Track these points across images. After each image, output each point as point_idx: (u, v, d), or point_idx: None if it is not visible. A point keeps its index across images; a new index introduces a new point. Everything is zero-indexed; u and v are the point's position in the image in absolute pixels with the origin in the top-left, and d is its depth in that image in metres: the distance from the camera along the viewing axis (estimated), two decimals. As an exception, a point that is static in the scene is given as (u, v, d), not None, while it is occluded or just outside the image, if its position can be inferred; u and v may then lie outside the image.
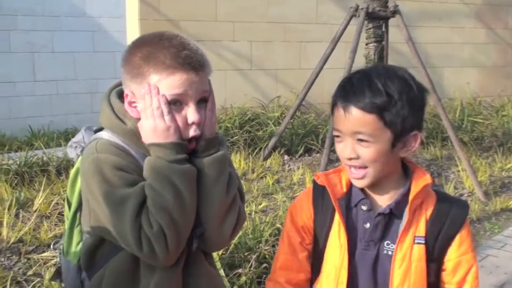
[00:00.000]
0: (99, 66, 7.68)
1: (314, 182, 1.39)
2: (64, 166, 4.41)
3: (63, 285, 1.48)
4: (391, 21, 4.71)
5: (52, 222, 3.47)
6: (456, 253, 1.31)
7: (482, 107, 7.29)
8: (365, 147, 1.25)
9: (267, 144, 5.17)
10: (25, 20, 7.21)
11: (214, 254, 2.13)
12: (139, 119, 1.29)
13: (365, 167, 1.27)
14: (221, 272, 2.58)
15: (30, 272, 2.85)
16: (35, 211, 3.61)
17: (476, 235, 3.77)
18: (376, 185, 1.31)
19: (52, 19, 7.40)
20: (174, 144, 1.24)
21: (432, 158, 5.42)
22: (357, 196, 1.34)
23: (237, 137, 5.23)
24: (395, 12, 4.57)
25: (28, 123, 6.94)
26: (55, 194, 3.85)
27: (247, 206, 3.67)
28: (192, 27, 5.57)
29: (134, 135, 1.30)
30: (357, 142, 1.25)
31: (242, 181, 3.90)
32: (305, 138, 5.46)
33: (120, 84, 1.36)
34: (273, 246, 2.94)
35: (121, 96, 1.34)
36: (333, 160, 4.69)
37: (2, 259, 3.01)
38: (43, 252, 3.07)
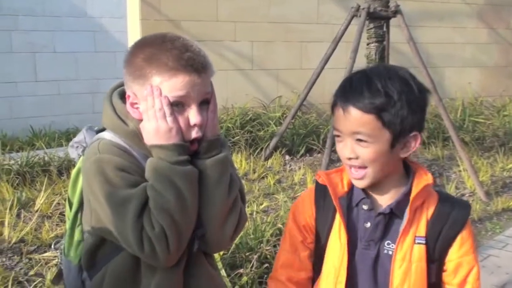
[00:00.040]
0: (100, 66, 7.68)
1: (317, 182, 1.40)
2: (66, 166, 4.41)
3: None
4: (392, 21, 4.70)
5: (54, 222, 3.47)
6: (457, 254, 1.31)
7: (483, 107, 7.29)
8: (364, 147, 1.25)
9: (268, 144, 5.17)
10: (26, 20, 7.22)
11: (216, 254, 2.13)
12: (141, 120, 1.29)
13: (365, 167, 1.27)
14: (223, 272, 2.58)
15: (31, 272, 2.85)
16: (37, 211, 3.62)
17: (477, 235, 3.76)
18: (377, 185, 1.32)
19: (53, 19, 7.40)
20: (176, 146, 1.24)
21: (433, 158, 5.41)
22: (358, 195, 1.34)
23: (238, 137, 5.23)
24: (396, 12, 4.57)
25: (29, 123, 6.94)
26: (56, 194, 3.86)
27: (248, 206, 3.67)
28: (193, 27, 5.58)
29: (136, 136, 1.30)
30: (356, 142, 1.26)
31: (243, 181, 3.91)
32: (306, 138, 5.46)
33: (122, 84, 1.36)
34: (275, 246, 2.94)
35: (123, 96, 1.34)
36: (334, 160, 4.69)
37: (4, 259, 3.01)
38: (45, 252, 3.07)
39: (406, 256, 1.28)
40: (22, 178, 4.15)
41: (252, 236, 3.00)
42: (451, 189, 4.43)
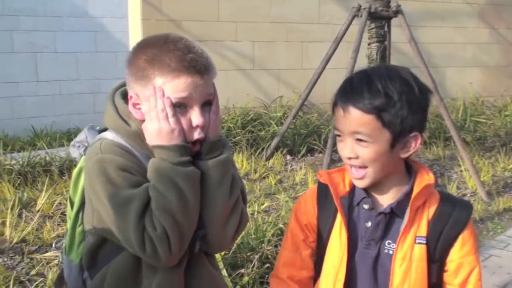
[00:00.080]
0: (101, 66, 7.69)
1: (319, 181, 1.40)
2: (67, 166, 4.42)
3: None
4: (394, 21, 4.70)
5: (55, 222, 3.48)
6: (458, 254, 1.31)
7: (484, 107, 7.28)
8: (364, 147, 1.26)
9: (270, 144, 5.16)
10: (27, 20, 7.22)
11: (217, 255, 2.13)
12: (143, 120, 1.29)
13: (365, 167, 1.28)
14: (224, 272, 2.59)
15: (33, 272, 2.86)
16: (38, 211, 3.62)
17: (479, 235, 3.76)
18: (378, 184, 1.32)
19: (54, 19, 7.41)
20: (178, 147, 1.25)
21: (434, 158, 5.41)
22: (359, 195, 1.34)
23: (239, 137, 5.23)
24: (398, 12, 4.57)
25: (30, 123, 6.95)
26: (58, 194, 3.86)
27: (249, 206, 3.67)
28: (195, 27, 5.58)
29: (138, 136, 1.30)
30: (356, 142, 1.26)
31: (245, 181, 3.91)
32: (308, 138, 5.46)
33: (124, 85, 1.36)
34: (276, 246, 2.94)
35: (125, 96, 1.34)
36: (335, 160, 4.69)
37: (5, 259, 3.01)
38: (46, 252, 3.08)
39: (407, 256, 1.28)
40: (23, 178, 4.15)
41: (253, 236, 3.00)
42: (452, 189, 4.43)
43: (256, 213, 3.61)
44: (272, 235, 3.03)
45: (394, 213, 1.31)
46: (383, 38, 4.62)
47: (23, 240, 3.21)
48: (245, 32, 5.94)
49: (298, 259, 1.42)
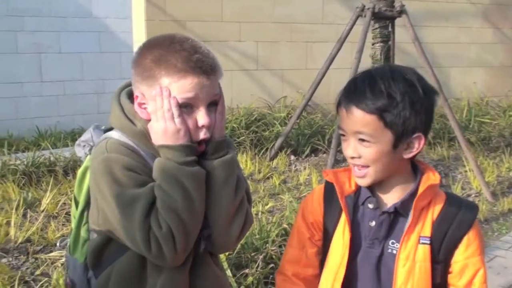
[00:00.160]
0: (105, 66, 7.71)
1: (327, 180, 1.41)
2: (71, 166, 4.43)
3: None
4: (398, 21, 4.70)
5: (60, 222, 3.49)
6: (462, 255, 1.30)
7: (489, 107, 7.26)
8: (366, 147, 1.27)
9: (274, 145, 5.17)
10: (32, 21, 7.25)
11: (221, 255, 2.13)
12: (148, 120, 1.29)
13: (367, 166, 1.29)
14: (228, 272, 2.59)
15: (37, 272, 2.87)
16: (43, 211, 3.63)
17: (483, 235, 3.75)
18: (382, 184, 1.33)
19: (59, 19, 7.43)
20: (184, 147, 1.25)
21: (439, 158, 5.40)
22: (364, 194, 1.35)
23: (243, 137, 5.23)
24: (402, 12, 4.56)
25: (35, 123, 6.98)
26: (62, 194, 3.87)
27: (253, 207, 3.67)
28: (198, 27, 5.58)
29: (144, 136, 1.30)
30: (359, 142, 1.27)
31: (249, 182, 3.91)
32: (312, 138, 5.46)
33: (129, 85, 1.36)
34: (280, 246, 2.94)
35: (131, 96, 1.35)
36: (339, 161, 4.68)
37: (10, 259, 3.02)
38: (51, 252, 3.08)
39: (410, 256, 1.28)
40: (28, 178, 4.17)
41: (257, 236, 3.00)
42: (457, 190, 4.42)
43: (260, 213, 3.61)
44: (277, 236, 3.03)
45: (399, 213, 1.31)
46: (387, 38, 4.61)
47: (27, 240, 3.21)
48: (248, 32, 5.95)
49: (303, 256, 1.43)
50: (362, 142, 1.27)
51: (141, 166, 1.27)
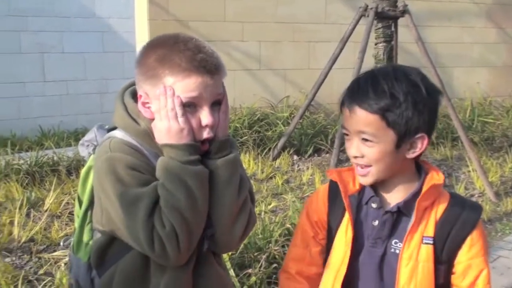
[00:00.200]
0: (108, 66, 7.72)
1: (331, 179, 1.41)
2: (74, 166, 4.43)
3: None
4: (401, 21, 4.69)
5: (63, 221, 3.49)
6: (466, 256, 1.30)
7: (492, 107, 7.24)
8: (369, 146, 1.27)
9: (276, 144, 5.16)
10: (35, 20, 7.26)
11: (224, 254, 2.13)
12: (152, 119, 1.29)
13: (370, 166, 1.29)
14: (231, 272, 2.59)
15: (41, 271, 2.87)
16: (46, 210, 3.64)
17: (487, 236, 3.74)
18: (386, 183, 1.33)
19: (62, 19, 7.45)
20: (188, 146, 1.25)
21: (442, 158, 5.39)
22: (368, 194, 1.36)
23: (246, 137, 5.23)
24: (405, 11, 4.56)
25: (38, 123, 6.98)
26: (65, 194, 3.88)
27: (256, 206, 3.67)
28: (201, 27, 5.58)
29: (147, 135, 1.30)
30: (362, 141, 1.28)
31: (251, 181, 3.91)
32: (314, 138, 5.45)
33: (133, 84, 1.37)
34: (283, 246, 2.94)
35: (134, 96, 1.35)
36: (342, 160, 4.68)
37: (14, 258, 3.03)
38: (54, 251, 3.09)
39: (413, 255, 1.28)
40: (31, 178, 4.17)
41: (260, 236, 3.00)
42: (460, 190, 4.41)
43: (263, 213, 3.61)
44: (279, 235, 3.03)
45: (402, 212, 1.31)
46: (390, 38, 4.61)
47: (31, 240, 3.22)
48: (251, 32, 5.95)
49: (307, 255, 1.43)
50: (365, 142, 1.27)
51: (145, 165, 1.27)
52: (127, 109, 1.34)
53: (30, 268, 2.93)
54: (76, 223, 1.42)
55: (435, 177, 1.31)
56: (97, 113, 7.54)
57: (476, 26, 7.37)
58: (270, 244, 2.94)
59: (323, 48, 6.03)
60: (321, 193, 1.45)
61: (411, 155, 1.30)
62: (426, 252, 1.28)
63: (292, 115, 5.64)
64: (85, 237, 1.38)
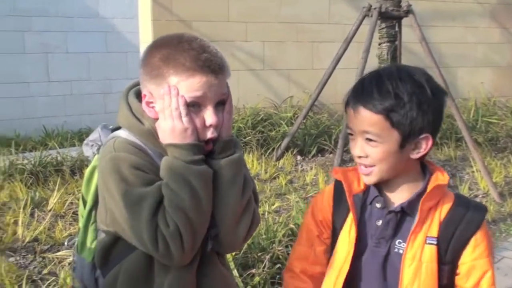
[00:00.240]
0: (112, 66, 7.74)
1: (337, 179, 1.41)
2: (78, 166, 4.44)
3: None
4: (404, 21, 4.68)
5: (67, 221, 3.50)
6: (470, 257, 1.30)
7: (496, 107, 7.22)
8: (373, 146, 1.27)
9: (280, 145, 5.16)
10: (39, 21, 7.28)
11: (228, 255, 2.13)
12: (156, 119, 1.30)
13: (373, 166, 1.30)
14: (235, 272, 2.59)
15: (45, 271, 2.88)
16: (50, 210, 3.65)
17: (491, 237, 3.73)
18: (390, 183, 1.33)
19: (66, 20, 7.46)
20: (191, 145, 1.25)
21: (446, 158, 5.38)
22: (372, 194, 1.36)
23: (249, 137, 5.23)
24: (408, 11, 4.55)
25: (42, 123, 7.00)
26: (69, 194, 3.89)
27: (260, 207, 3.65)
28: (205, 27, 5.59)
29: (152, 135, 1.31)
30: (366, 141, 1.28)
31: (255, 182, 3.90)
32: (318, 138, 5.45)
33: (137, 84, 1.37)
34: (287, 246, 2.93)
35: (139, 96, 1.35)
36: (346, 161, 4.68)
37: (18, 258, 3.04)
38: (58, 251, 3.10)
39: (416, 256, 1.28)
40: (35, 178, 4.18)
41: (264, 236, 3.00)
42: (464, 190, 4.40)
43: (266, 213, 3.61)
44: (283, 236, 3.03)
45: (406, 212, 1.31)
46: (393, 38, 4.60)
47: (35, 239, 3.23)
48: (255, 32, 5.95)
49: (311, 254, 1.43)
50: (369, 142, 1.27)
51: (149, 165, 1.27)
52: (132, 109, 1.34)
53: (34, 267, 2.94)
54: (81, 223, 1.42)
55: (440, 178, 1.31)
56: (101, 113, 7.56)
57: (480, 26, 7.35)
58: (274, 245, 2.94)
59: (326, 48, 6.03)
60: (326, 192, 1.46)
61: (416, 155, 1.30)
62: (430, 252, 1.28)
63: (296, 115, 5.64)
64: (89, 237, 1.39)
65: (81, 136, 6.41)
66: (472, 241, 1.29)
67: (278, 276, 2.73)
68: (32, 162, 4.42)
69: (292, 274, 1.45)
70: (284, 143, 5.11)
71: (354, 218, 1.33)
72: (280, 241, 2.97)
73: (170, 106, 1.25)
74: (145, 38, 5.48)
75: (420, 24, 4.63)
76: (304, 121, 5.40)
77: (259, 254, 2.85)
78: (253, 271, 2.73)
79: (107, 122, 1.49)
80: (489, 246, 1.32)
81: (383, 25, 4.58)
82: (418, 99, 1.24)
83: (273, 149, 5.18)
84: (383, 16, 4.50)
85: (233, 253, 2.73)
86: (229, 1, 5.79)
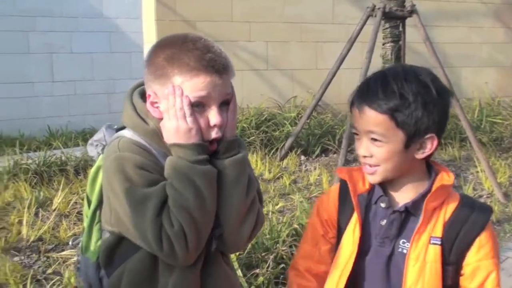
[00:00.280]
0: (116, 66, 7.75)
1: (342, 179, 1.41)
2: (82, 166, 4.46)
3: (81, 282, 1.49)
4: (408, 21, 4.67)
5: (71, 221, 3.51)
6: (474, 258, 1.29)
7: (501, 107, 7.20)
8: (378, 146, 1.28)
9: (284, 145, 5.16)
10: (43, 21, 7.31)
11: (232, 255, 2.13)
12: (160, 119, 1.30)
13: (378, 165, 1.30)
14: (239, 272, 2.59)
15: (49, 271, 2.89)
16: (54, 210, 3.65)
17: (496, 237, 3.71)
18: (395, 183, 1.33)
19: (70, 20, 7.48)
20: (196, 145, 1.25)
21: (450, 159, 5.36)
22: (377, 193, 1.36)
23: (253, 137, 5.23)
24: (412, 11, 4.54)
25: (46, 123, 7.03)
26: (73, 193, 3.90)
27: (264, 207, 3.66)
28: (208, 27, 5.59)
29: (156, 134, 1.31)
30: (371, 141, 1.28)
31: (259, 181, 3.90)
32: (322, 138, 5.44)
33: (142, 84, 1.38)
34: (291, 246, 2.93)
35: (143, 96, 1.36)
36: (350, 161, 4.67)
37: (22, 257, 3.05)
38: (62, 250, 3.10)
39: (420, 256, 1.28)
40: (39, 178, 4.20)
41: (268, 236, 3.00)
42: (468, 190, 4.39)
43: (270, 213, 3.61)
44: (287, 236, 3.03)
45: (410, 212, 1.31)
46: (397, 38, 4.59)
47: (39, 239, 3.24)
48: (259, 32, 5.95)
49: (316, 253, 1.44)
50: (374, 142, 1.28)
51: (153, 165, 1.28)
52: (136, 108, 1.34)
53: (39, 267, 2.94)
54: (85, 223, 1.42)
55: (445, 178, 1.31)
56: (105, 113, 7.57)
57: (484, 26, 7.33)
58: (278, 245, 2.94)
59: (330, 48, 6.02)
60: (332, 192, 1.46)
61: (421, 155, 1.30)
62: (434, 252, 1.28)
63: (300, 115, 5.64)
64: (94, 237, 1.39)
65: (85, 136, 6.43)
66: (477, 242, 1.29)
67: (282, 276, 2.73)
68: (37, 162, 4.43)
69: (297, 272, 1.45)
70: (288, 143, 5.11)
71: (359, 217, 1.34)
72: (284, 241, 2.97)
73: (174, 106, 1.25)
74: (149, 38, 5.49)
75: (424, 24, 4.62)
76: (308, 121, 5.40)
77: (263, 254, 2.85)
78: (257, 271, 2.73)
79: (111, 122, 1.50)
80: (494, 247, 1.32)
81: (387, 25, 4.58)
82: (423, 99, 1.24)
83: (277, 149, 5.18)
84: (387, 16, 4.49)
85: (237, 253, 2.73)
86: (233, 1, 5.80)
